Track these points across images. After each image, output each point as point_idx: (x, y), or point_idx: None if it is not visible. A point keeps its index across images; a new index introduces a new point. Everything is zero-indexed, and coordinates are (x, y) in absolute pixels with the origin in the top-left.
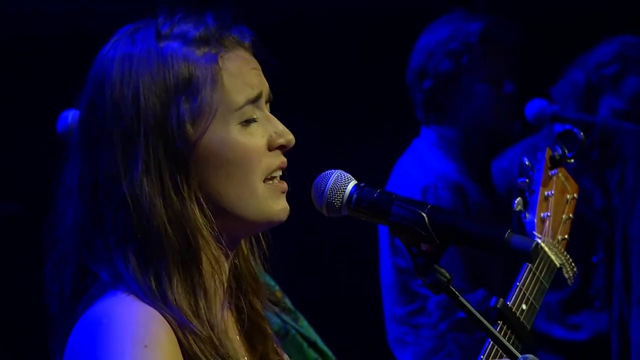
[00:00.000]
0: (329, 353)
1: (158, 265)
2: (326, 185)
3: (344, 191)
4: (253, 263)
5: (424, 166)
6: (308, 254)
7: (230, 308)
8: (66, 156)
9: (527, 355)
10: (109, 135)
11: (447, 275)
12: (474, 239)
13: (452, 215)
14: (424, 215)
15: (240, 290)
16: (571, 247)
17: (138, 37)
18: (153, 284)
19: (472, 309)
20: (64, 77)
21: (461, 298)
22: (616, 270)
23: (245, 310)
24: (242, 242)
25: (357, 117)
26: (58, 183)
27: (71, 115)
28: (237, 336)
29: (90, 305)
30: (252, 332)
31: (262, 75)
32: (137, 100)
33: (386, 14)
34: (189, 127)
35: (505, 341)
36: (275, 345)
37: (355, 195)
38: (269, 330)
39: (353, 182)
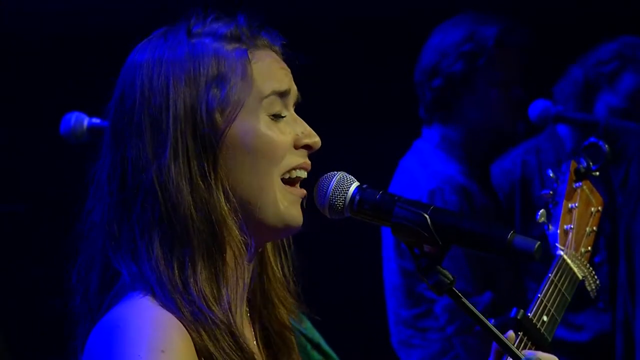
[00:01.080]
0: (333, 354)
1: (183, 252)
2: (328, 187)
3: (347, 193)
4: (281, 275)
5: (429, 169)
6: (311, 255)
7: (249, 316)
8: (96, 155)
9: (530, 355)
10: (138, 124)
11: (450, 276)
12: (477, 239)
13: (454, 216)
14: (427, 216)
15: (266, 301)
16: None
17: (170, 35)
18: (176, 272)
19: (474, 309)
20: (65, 78)
21: (464, 299)
22: (620, 269)
23: (271, 322)
24: (270, 254)
25: (360, 119)
26: (86, 183)
27: (74, 118)
28: (254, 342)
29: (110, 309)
30: (276, 344)
31: (292, 78)
32: (167, 88)
33: (388, 14)
34: (217, 115)
35: (507, 341)
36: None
37: (357, 197)
38: (294, 343)
39: (355, 184)
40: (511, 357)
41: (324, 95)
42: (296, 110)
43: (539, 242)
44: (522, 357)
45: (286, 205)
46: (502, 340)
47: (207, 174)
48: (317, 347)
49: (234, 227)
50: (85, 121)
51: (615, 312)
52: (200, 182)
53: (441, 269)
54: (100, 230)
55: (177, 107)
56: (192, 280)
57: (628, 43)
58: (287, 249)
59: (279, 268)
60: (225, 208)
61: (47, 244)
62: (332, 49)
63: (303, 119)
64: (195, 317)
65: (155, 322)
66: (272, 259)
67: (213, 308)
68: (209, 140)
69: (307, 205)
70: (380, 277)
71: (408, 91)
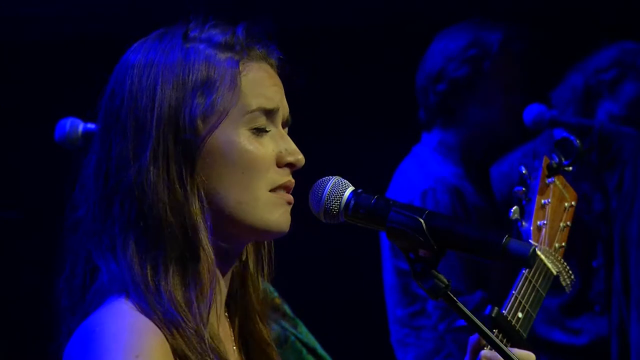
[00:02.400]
0: (329, 359)
1: (156, 255)
2: (323, 191)
3: (342, 198)
4: (260, 289)
5: (423, 171)
6: (306, 260)
7: (230, 324)
8: (85, 155)
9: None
10: (123, 123)
11: (445, 281)
12: (472, 244)
13: (449, 220)
14: (422, 221)
15: (247, 315)
16: (572, 251)
17: (166, 38)
18: (149, 274)
19: (469, 313)
20: (60, 84)
21: (459, 303)
22: (615, 273)
23: (252, 336)
24: (251, 266)
25: (357, 124)
26: (75, 181)
27: (69, 123)
28: (233, 348)
29: (90, 313)
30: (257, 357)
31: (283, 95)
32: (154, 90)
33: (388, 20)
34: (199, 122)
35: (503, 346)
36: None
37: (352, 202)
38: (276, 357)
39: (350, 189)
40: (505, 358)
41: (321, 102)
42: (294, 117)
43: (533, 247)
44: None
45: (271, 212)
46: (497, 343)
47: (185, 179)
48: (312, 351)
49: (205, 233)
50: (80, 127)
51: (611, 316)
52: (178, 187)
53: (436, 273)
54: (84, 226)
55: (162, 109)
56: (163, 283)
57: (627, 49)
58: (269, 262)
59: (260, 282)
60: (200, 214)
61: (43, 251)
62: (332, 53)
63: (301, 126)
64: (167, 318)
65: (131, 328)
66: (252, 271)
67: (182, 313)
68: (189, 146)
69: (303, 208)
70: (377, 280)
71: (408, 98)
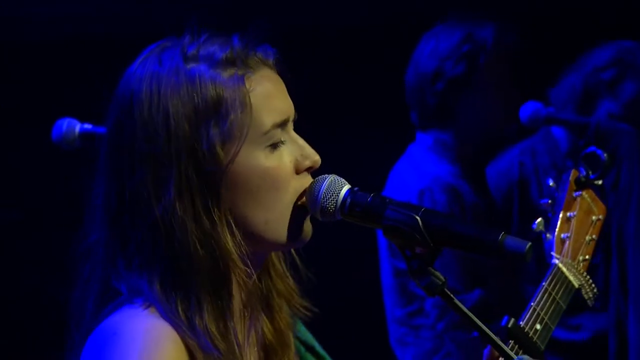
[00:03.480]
0: (328, 357)
1: (187, 290)
2: (320, 190)
3: (338, 196)
4: (282, 270)
5: (419, 170)
6: (306, 257)
7: (252, 324)
8: (92, 172)
9: (523, 356)
10: (140, 158)
11: (442, 277)
12: (468, 241)
13: (446, 218)
14: (418, 218)
15: (267, 301)
16: None
17: (165, 58)
18: (179, 309)
19: (466, 310)
20: (62, 83)
21: (456, 300)
22: (612, 269)
23: (271, 322)
24: (275, 260)
25: (356, 123)
26: (85, 196)
27: (66, 124)
28: (255, 348)
29: (106, 318)
30: (274, 347)
31: (287, 95)
32: (167, 123)
33: (388, 20)
34: (219, 150)
35: (500, 342)
36: None
37: (349, 200)
38: (293, 343)
39: (347, 187)
40: (503, 357)
41: (321, 101)
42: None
43: (529, 243)
44: (515, 357)
45: (299, 226)
46: (494, 340)
47: (212, 210)
48: (311, 349)
49: (239, 262)
50: (77, 127)
51: (609, 312)
52: (205, 219)
53: (433, 270)
54: (98, 250)
55: (179, 142)
56: (197, 317)
57: (626, 48)
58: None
59: (281, 264)
60: (230, 242)
61: (43, 251)
62: (329, 52)
63: (298, 124)
64: (201, 347)
65: (149, 332)
66: (279, 267)
67: (219, 345)
68: (212, 177)
69: None
70: (376, 278)
71: (403, 96)
